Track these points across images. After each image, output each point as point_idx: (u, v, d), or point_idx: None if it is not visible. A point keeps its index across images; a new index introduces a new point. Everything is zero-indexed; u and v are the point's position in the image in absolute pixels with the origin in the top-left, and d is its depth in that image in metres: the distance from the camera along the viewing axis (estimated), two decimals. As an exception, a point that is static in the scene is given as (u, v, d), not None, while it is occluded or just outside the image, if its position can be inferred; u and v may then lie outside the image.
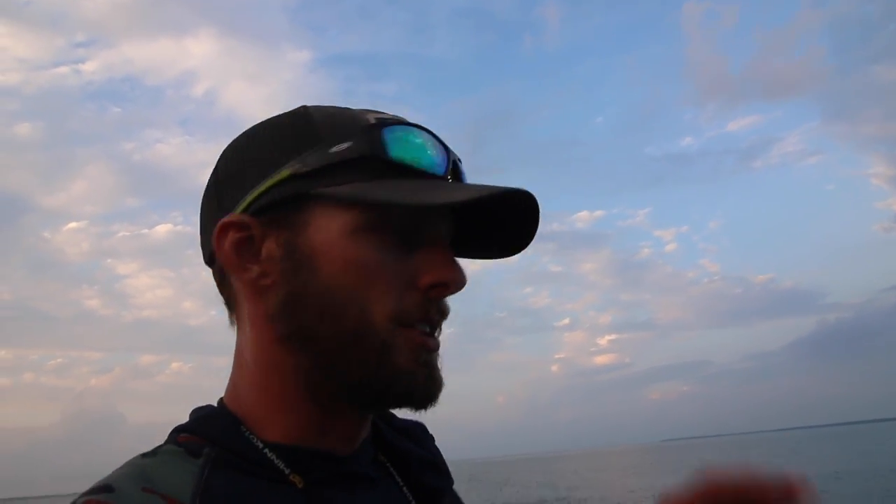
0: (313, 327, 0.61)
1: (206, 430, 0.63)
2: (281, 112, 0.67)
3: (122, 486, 0.55)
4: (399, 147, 0.62)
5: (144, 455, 0.60)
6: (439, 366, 0.64)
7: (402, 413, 0.67)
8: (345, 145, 0.62)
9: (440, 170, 0.64)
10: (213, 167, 0.69)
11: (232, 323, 0.68)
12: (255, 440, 0.62)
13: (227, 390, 0.67)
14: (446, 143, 0.67)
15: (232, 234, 0.63)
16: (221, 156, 0.68)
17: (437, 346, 0.64)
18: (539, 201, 0.65)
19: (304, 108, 0.67)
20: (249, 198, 0.63)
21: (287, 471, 0.61)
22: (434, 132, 0.66)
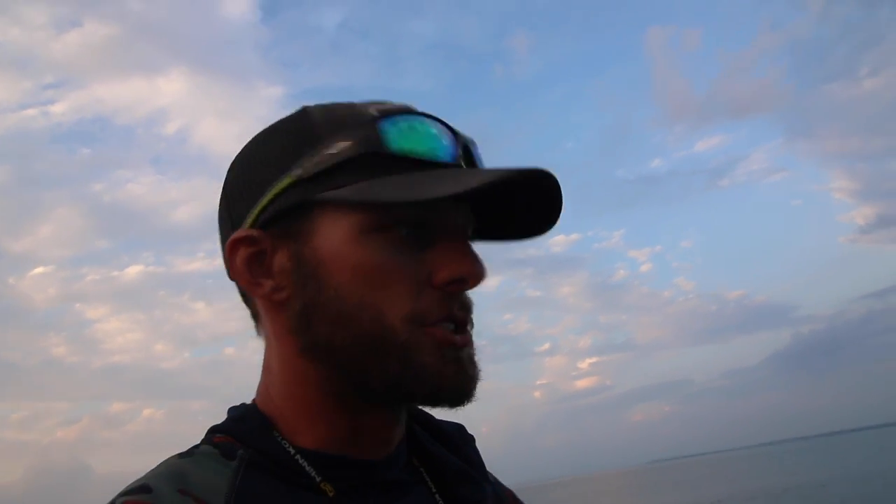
0: (330, 338, 0.60)
1: (240, 432, 0.62)
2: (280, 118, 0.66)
3: (159, 486, 0.55)
4: (401, 138, 0.60)
5: (181, 455, 0.61)
6: (474, 361, 0.62)
7: (440, 413, 0.66)
8: (344, 144, 0.60)
9: (448, 157, 0.61)
10: (223, 181, 0.67)
11: (258, 333, 0.67)
12: (287, 445, 0.61)
13: (259, 393, 0.66)
14: (456, 128, 0.64)
15: (243, 250, 0.62)
16: (229, 169, 0.66)
17: (465, 342, 0.62)
18: (558, 178, 0.61)
19: (304, 108, 0.64)
20: (256, 210, 0.62)
21: (318, 478, 0.60)
22: (442, 119, 0.63)
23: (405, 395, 0.60)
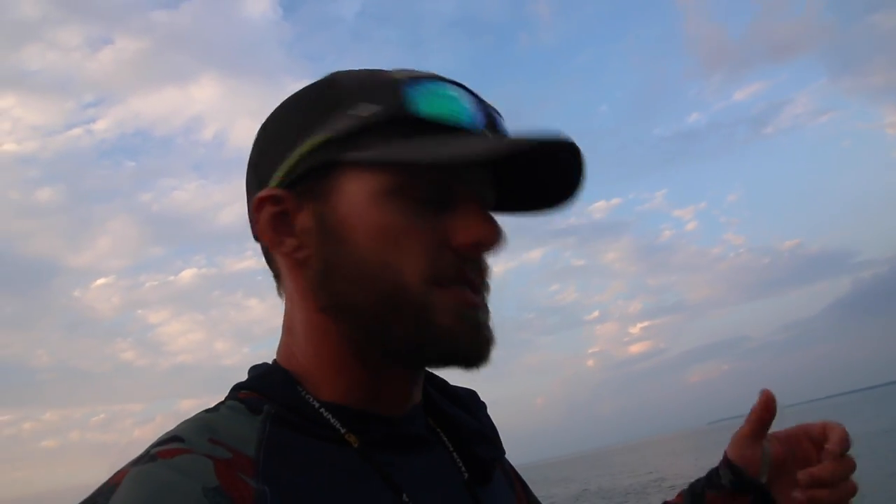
0: (350, 296, 0.61)
1: (265, 387, 0.63)
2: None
3: (191, 436, 0.56)
4: (425, 102, 0.61)
5: (208, 411, 0.61)
6: (489, 324, 0.63)
7: (455, 379, 0.69)
8: (370, 107, 0.61)
9: (474, 123, 0.61)
10: (253, 143, 0.69)
11: (280, 294, 0.68)
12: (311, 399, 0.62)
13: (280, 352, 0.67)
14: (482, 97, 0.64)
15: (267, 208, 0.64)
16: (259, 130, 0.68)
17: (481, 303, 0.63)
18: (581, 149, 0.61)
19: (332, 74, 0.66)
20: (282, 170, 0.63)
21: (342, 430, 0.61)
22: (468, 86, 0.64)
23: (420, 353, 0.61)
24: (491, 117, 0.64)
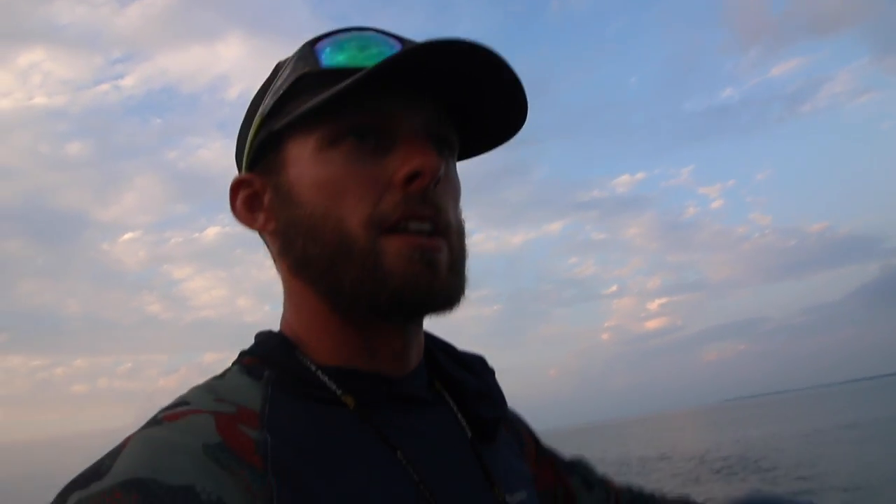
0: (305, 253, 0.63)
1: (265, 352, 0.66)
2: None
3: (196, 399, 0.59)
4: (333, 54, 0.63)
5: (215, 377, 0.64)
6: (450, 264, 0.62)
7: (460, 343, 0.73)
8: (287, 72, 0.65)
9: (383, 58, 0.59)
10: None
11: (277, 269, 0.70)
12: (307, 362, 0.64)
13: (282, 321, 0.70)
14: (408, 39, 0.66)
15: (241, 192, 0.69)
16: None
17: (437, 247, 0.61)
18: (504, 57, 0.59)
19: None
20: (246, 156, 0.69)
21: (339, 392, 0.62)
22: (389, 31, 0.66)
23: (375, 299, 0.61)
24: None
